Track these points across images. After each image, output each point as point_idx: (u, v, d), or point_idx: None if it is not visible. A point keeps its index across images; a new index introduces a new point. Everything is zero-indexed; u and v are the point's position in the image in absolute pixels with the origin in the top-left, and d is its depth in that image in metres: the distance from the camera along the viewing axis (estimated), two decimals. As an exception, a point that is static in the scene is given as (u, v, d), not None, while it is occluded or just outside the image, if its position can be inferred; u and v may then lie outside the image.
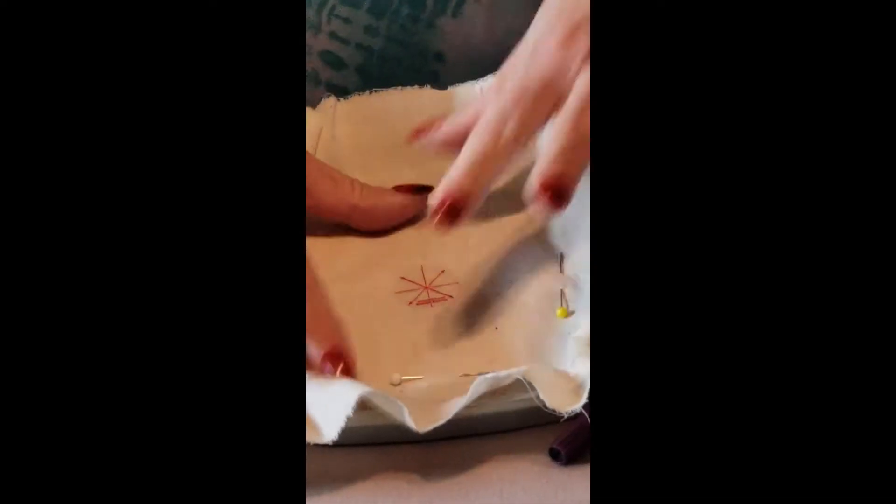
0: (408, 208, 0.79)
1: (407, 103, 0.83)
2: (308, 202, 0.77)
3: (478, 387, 0.62)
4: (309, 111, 0.84)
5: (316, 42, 0.88)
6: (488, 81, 0.83)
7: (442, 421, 0.61)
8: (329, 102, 0.84)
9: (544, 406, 0.61)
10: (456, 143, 0.74)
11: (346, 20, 0.87)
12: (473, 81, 0.83)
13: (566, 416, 0.61)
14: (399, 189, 0.80)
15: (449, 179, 0.69)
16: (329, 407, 0.61)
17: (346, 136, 0.83)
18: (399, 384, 0.67)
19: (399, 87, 0.84)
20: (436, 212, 0.69)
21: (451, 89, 0.84)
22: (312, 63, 0.89)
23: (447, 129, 0.77)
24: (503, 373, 0.62)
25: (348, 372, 0.65)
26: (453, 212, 0.69)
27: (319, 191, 0.77)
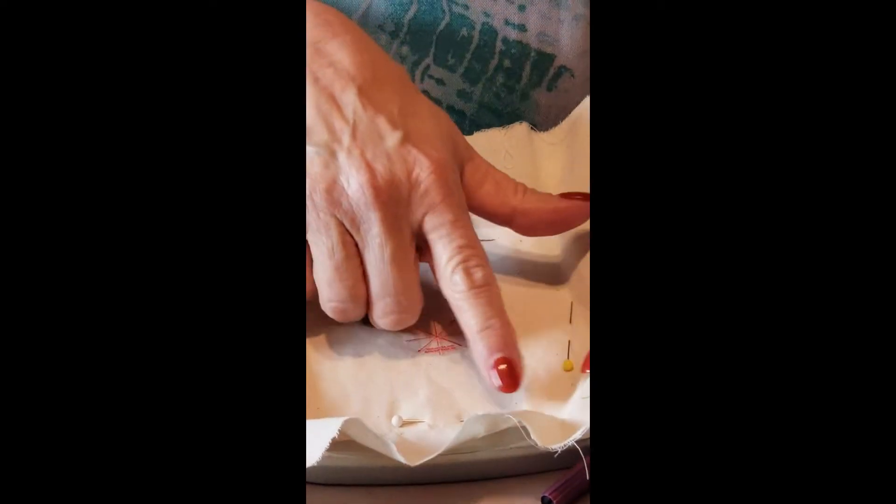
0: (574, 216, 0.76)
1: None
2: (470, 204, 0.74)
3: (470, 423, 0.61)
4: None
5: None
6: (514, 129, 0.83)
7: (432, 455, 0.61)
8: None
9: (529, 437, 0.61)
10: None
11: (440, 81, 0.87)
12: (499, 127, 0.83)
13: (556, 452, 0.61)
14: (566, 196, 0.76)
15: None
16: (315, 432, 0.61)
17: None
18: (400, 426, 0.67)
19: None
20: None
21: (476, 135, 0.83)
22: None
23: None
24: (496, 412, 0.62)
25: None
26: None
27: (482, 193, 0.75)
